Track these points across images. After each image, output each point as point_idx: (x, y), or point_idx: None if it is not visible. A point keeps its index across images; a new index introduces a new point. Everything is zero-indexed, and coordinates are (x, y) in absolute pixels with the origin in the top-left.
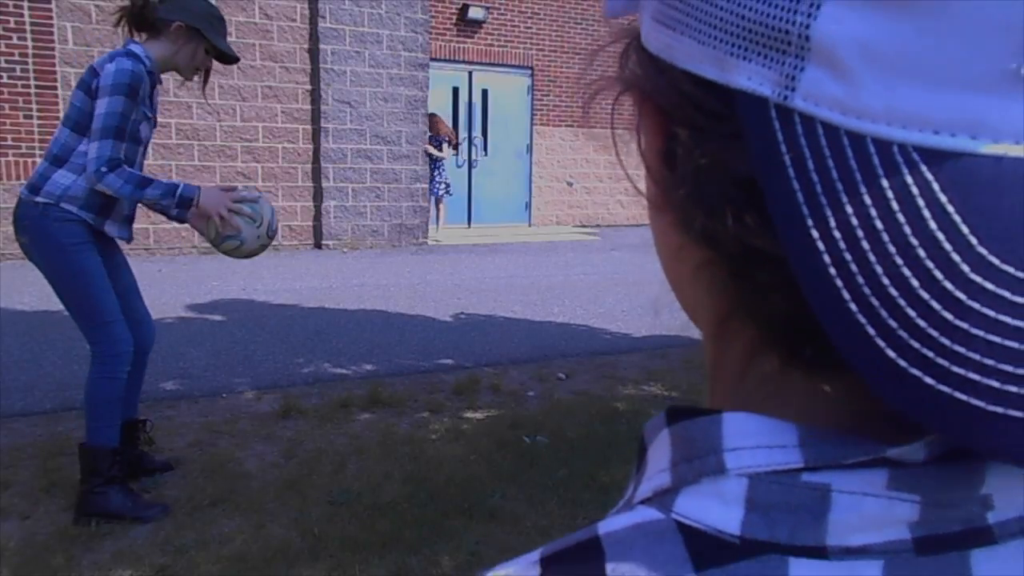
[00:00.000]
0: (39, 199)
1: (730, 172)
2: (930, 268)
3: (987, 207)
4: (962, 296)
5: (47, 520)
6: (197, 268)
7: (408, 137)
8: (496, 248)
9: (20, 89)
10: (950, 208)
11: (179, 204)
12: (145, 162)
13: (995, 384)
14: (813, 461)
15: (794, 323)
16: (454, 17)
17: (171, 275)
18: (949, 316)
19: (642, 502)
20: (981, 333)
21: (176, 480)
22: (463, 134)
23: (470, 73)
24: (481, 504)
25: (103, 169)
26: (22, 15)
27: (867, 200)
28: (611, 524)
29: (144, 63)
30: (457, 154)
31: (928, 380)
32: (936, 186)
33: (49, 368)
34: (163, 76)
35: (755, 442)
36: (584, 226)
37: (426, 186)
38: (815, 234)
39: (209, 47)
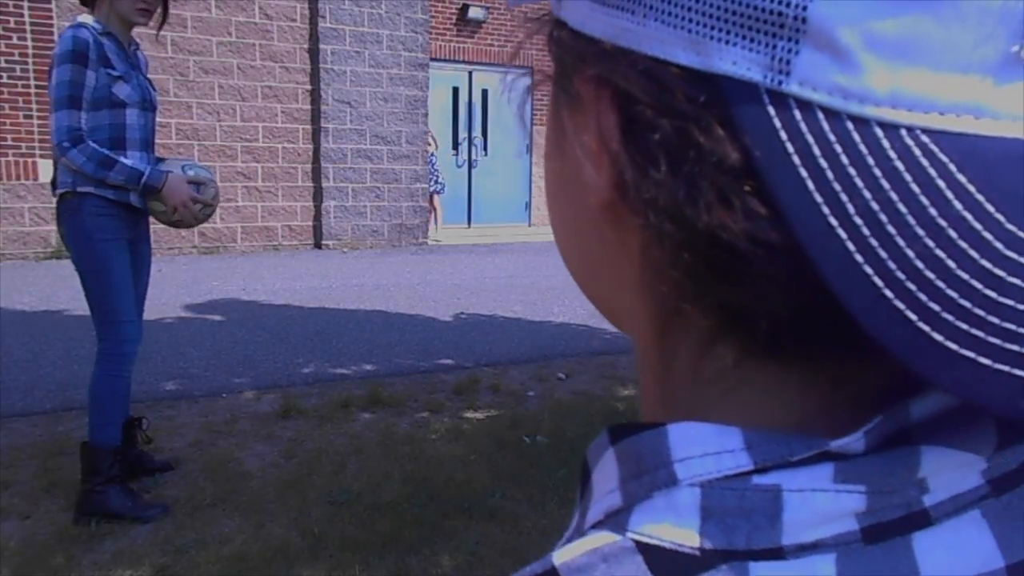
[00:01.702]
0: (60, 191)
1: (722, 162)
2: (964, 248)
3: (1006, 185)
4: (1002, 273)
5: (47, 520)
6: (197, 268)
7: (408, 137)
8: (496, 248)
9: (20, 89)
10: (971, 188)
11: (143, 192)
12: (156, 126)
13: None
14: (761, 462)
15: (762, 310)
16: (454, 17)
17: (171, 275)
18: (993, 294)
19: (594, 526)
20: None
21: (176, 480)
22: (463, 134)
23: (470, 73)
24: (481, 504)
25: (65, 144)
26: (22, 15)
27: (885, 184)
28: (566, 553)
29: (88, 28)
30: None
31: (984, 360)
32: (953, 167)
33: (49, 368)
34: (162, 76)
35: (702, 449)
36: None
37: (426, 186)
38: (833, 222)
39: None
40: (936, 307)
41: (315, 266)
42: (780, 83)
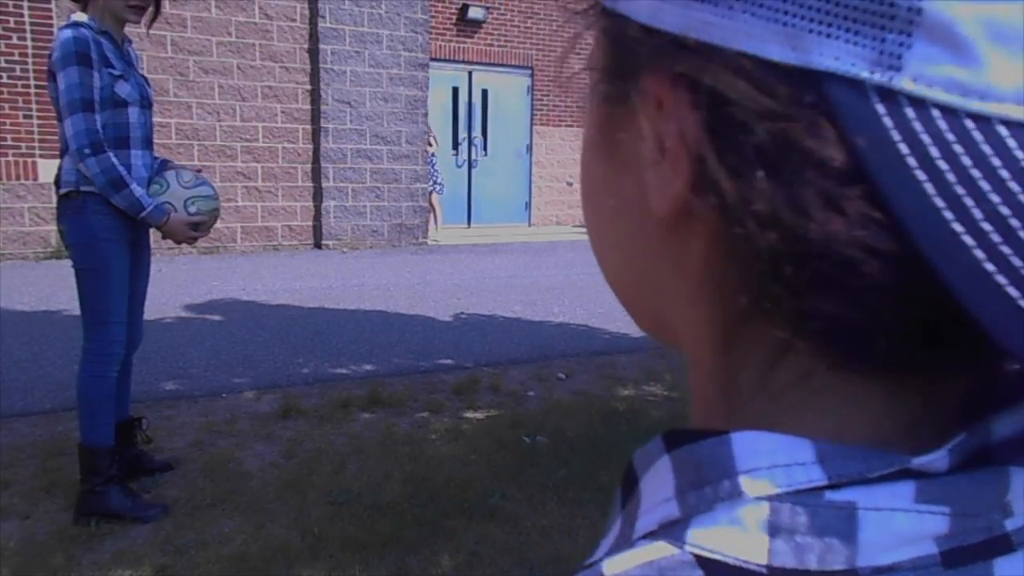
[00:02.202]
0: (62, 190)
1: (828, 166)
2: None
3: None
4: None
5: (47, 520)
6: (197, 268)
7: (408, 137)
8: (496, 248)
9: (20, 89)
10: None
11: (142, 220)
12: (155, 125)
13: None
14: (835, 477)
15: (854, 321)
16: (454, 17)
17: (171, 275)
18: None
19: (645, 536)
20: None
21: (176, 480)
22: (463, 134)
23: (470, 73)
24: (481, 504)
25: (86, 150)
26: (22, 15)
27: (1015, 187)
28: (616, 565)
29: (85, 26)
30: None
31: None
32: None
33: (49, 368)
34: (162, 76)
35: (770, 461)
36: (584, 226)
37: (426, 186)
38: (958, 228)
39: None
40: None
41: (315, 266)
42: (890, 79)
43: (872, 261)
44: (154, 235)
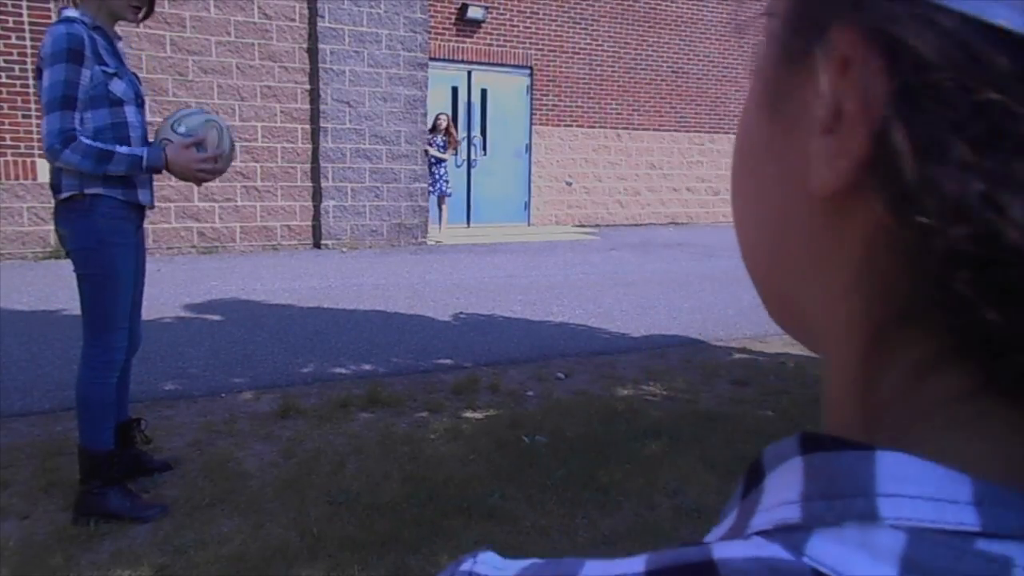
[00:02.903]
0: (64, 195)
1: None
2: None
3: None
4: None
5: (46, 520)
6: (196, 268)
7: (407, 137)
8: (495, 248)
9: (19, 89)
10: None
11: (147, 172)
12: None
13: None
14: (993, 527)
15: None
16: (453, 17)
17: (170, 275)
18: None
19: (759, 533)
20: None
21: (175, 480)
22: (462, 134)
23: (469, 73)
24: (480, 504)
25: (56, 146)
26: (21, 15)
27: None
28: (726, 550)
29: (79, 22)
30: (457, 153)
31: None
32: None
33: (48, 368)
34: (161, 76)
35: (918, 491)
36: (583, 226)
37: (425, 186)
38: None
39: None
40: None
41: (314, 266)
42: None
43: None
44: (151, 236)
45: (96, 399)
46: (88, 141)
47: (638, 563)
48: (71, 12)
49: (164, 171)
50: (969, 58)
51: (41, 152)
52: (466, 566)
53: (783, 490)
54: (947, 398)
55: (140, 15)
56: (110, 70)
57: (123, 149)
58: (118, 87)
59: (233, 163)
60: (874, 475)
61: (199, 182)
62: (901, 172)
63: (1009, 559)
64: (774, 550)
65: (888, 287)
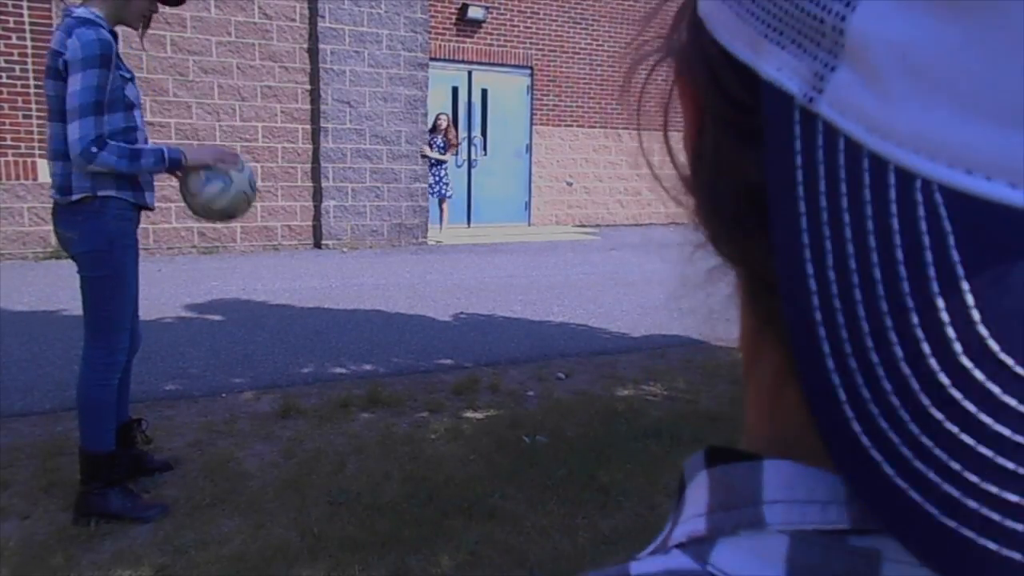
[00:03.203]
0: (75, 196)
1: (743, 177)
2: (919, 339)
3: (999, 276)
4: (946, 381)
5: (46, 520)
6: (196, 268)
7: (407, 137)
8: (496, 248)
9: (19, 89)
10: (960, 271)
11: (168, 168)
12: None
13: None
14: (861, 522)
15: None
16: (453, 17)
17: (170, 275)
18: (939, 416)
19: (677, 546)
20: (976, 444)
21: (175, 480)
22: (463, 134)
23: (469, 73)
24: (481, 504)
25: (92, 149)
26: (21, 15)
27: (872, 243)
28: (644, 566)
29: (104, 26)
30: (456, 155)
31: (931, 510)
32: (952, 240)
33: (49, 368)
34: (161, 76)
35: (795, 495)
36: (583, 226)
37: (425, 186)
38: (810, 270)
39: None
40: (884, 424)
41: (315, 266)
42: (812, 100)
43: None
44: (152, 235)
45: (98, 401)
46: (117, 143)
47: None
48: (85, 12)
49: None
50: (716, 87)
51: (42, 152)
52: None
53: (695, 503)
54: (795, 406)
55: (145, 27)
56: (127, 75)
57: (146, 146)
58: (131, 92)
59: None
60: (761, 484)
61: (204, 179)
62: (700, 208)
63: (878, 551)
64: (684, 561)
65: (748, 297)
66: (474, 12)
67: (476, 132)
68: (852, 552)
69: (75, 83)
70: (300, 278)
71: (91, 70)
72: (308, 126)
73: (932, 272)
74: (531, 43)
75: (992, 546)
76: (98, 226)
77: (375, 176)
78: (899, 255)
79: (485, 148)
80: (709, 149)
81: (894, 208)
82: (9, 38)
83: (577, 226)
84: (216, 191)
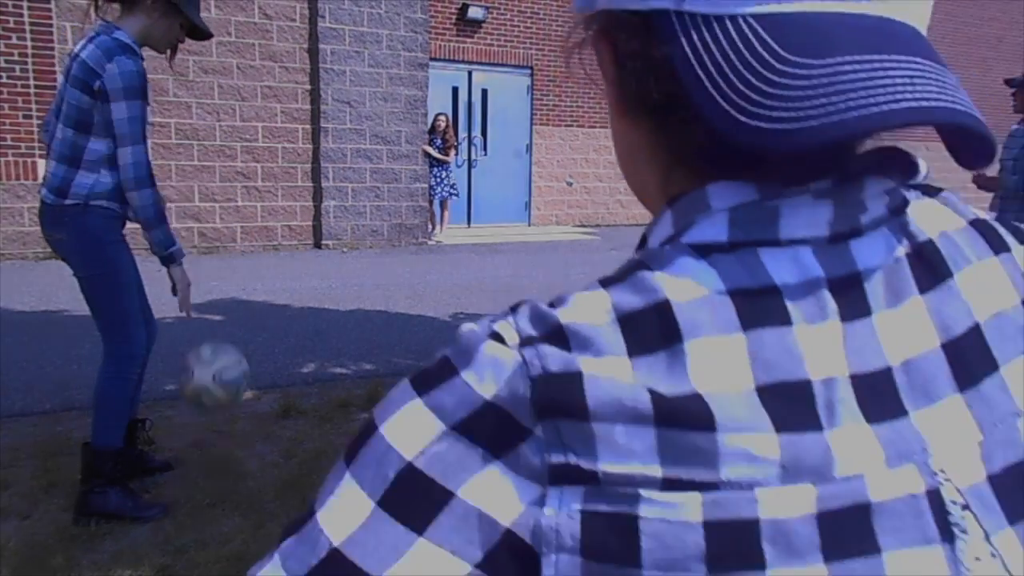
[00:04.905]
0: (68, 201)
1: (653, 62)
2: (753, 65)
3: (793, 34)
4: (770, 79)
5: (47, 520)
6: (197, 268)
7: (408, 137)
8: (496, 248)
9: (20, 89)
10: (770, 41)
11: (165, 260)
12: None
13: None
14: (768, 195)
15: (699, 145)
16: (454, 17)
17: None
18: (758, 95)
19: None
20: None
21: (176, 480)
22: (463, 134)
23: (470, 73)
24: None
25: (146, 178)
26: (22, 15)
27: (726, 47)
28: (644, 254)
29: (140, 54)
30: (457, 154)
31: (742, 118)
32: (759, 41)
33: (49, 368)
34: (161, 76)
35: (730, 190)
36: (584, 226)
37: (426, 186)
38: (701, 73)
39: (184, 22)
40: (735, 98)
41: (315, 266)
42: (679, 4)
43: (676, 103)
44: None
45: (116, 396)
46: (158, 195)
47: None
48: (125, 37)
49: (173, 266)
50: (626, 29)
51: (42, 152)
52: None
53: (661, 228)
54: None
55: (173, 54)
56: (151, 105)
57: (168, 222)
58: (150, 116)
59: (233, 163)
60: (707, 195)
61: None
62: (626, 90)
63: (779, 204)
64: (662, 247)
65: (658, 148)
66: (474, 12)
67: (476, 132)
68: (765, 207)
69: (121, 111)
70: (300, 278)
71: (135, 101)
72: (308, 126)
73: (749, 57)
74: (531, 43)
75: (754, 123)
76: (82, 225)
77: (375, 176)
78: (737, 48)
79: (485, 148)
80: (630, 63)
81: (734, 34)
82: (9, 38)
83: (577, 226)
84: (182, 379)
